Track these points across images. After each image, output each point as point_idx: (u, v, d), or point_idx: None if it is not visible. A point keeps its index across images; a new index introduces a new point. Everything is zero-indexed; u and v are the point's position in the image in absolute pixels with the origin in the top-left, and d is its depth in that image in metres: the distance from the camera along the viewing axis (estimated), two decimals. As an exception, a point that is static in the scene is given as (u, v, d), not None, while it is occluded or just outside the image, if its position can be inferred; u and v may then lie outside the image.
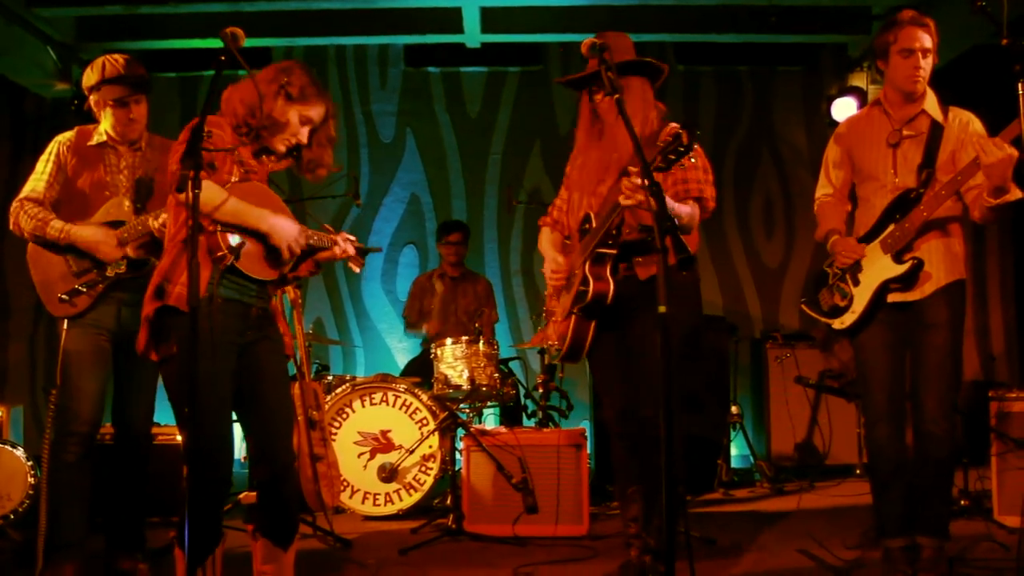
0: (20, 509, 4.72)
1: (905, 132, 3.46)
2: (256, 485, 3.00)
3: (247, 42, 2.83)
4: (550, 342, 3.67)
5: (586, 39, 3.16)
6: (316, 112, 3.05)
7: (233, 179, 2.90)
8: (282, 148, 3.04)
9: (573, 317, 3.45)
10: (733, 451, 6.31)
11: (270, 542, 2.96)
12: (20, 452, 4.82)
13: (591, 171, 3.53)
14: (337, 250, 3.15)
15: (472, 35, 6.68)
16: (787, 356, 6.37)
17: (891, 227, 3.43)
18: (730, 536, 4.41)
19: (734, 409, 6.16)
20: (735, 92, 7.63)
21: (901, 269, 3.40)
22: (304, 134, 3.04)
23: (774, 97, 7.62)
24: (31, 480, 4.76)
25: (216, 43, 6.36)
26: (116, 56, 3.75)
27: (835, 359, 6.14)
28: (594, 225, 3.34)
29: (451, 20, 6.53)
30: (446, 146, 7.61)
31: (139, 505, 3.89)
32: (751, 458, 6.26)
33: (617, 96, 2.90)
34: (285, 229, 2.93)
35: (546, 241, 3.75)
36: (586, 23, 6.34)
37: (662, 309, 2.55)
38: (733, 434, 6.18)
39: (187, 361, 2.52)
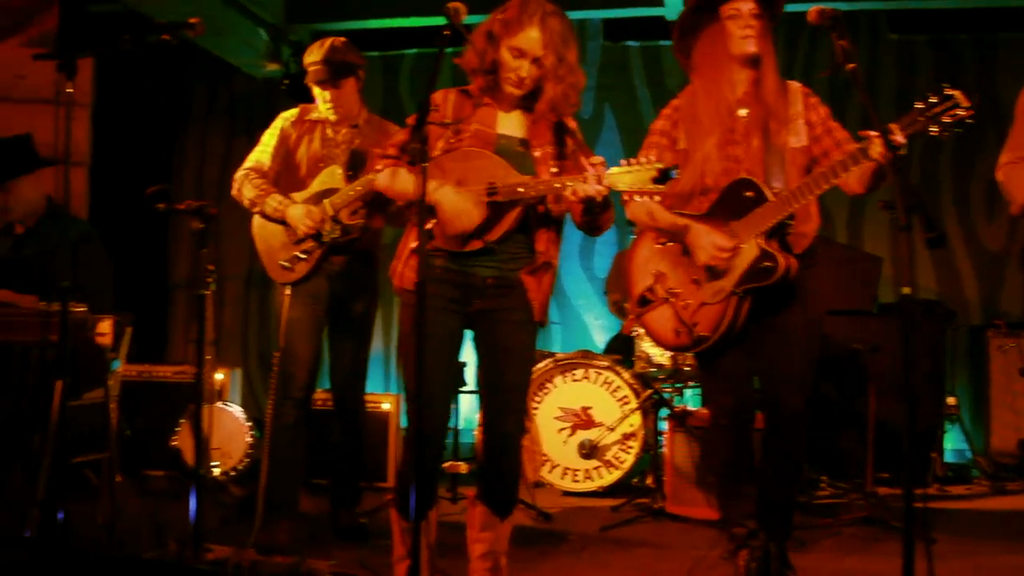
0: (240, 467, 4.99)
1: None
2: (482, 453, 3.01)
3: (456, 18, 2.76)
4: (692, 327, 3.14)
5: (811, 8, 2.96)
6: (525, 41, 2.81)
7: (435, 153, 2.89)
8: (507, 89, 2.90)
9: (734, 298, 3.06)
10: (947, 445, 5.93)
11: (489, 510, 2.96)
12: (240, 413, 5.08)
13: (718, 123, 3.08)
14: (568, 192, 2.74)
15: (673, 7, 6.49)
16: (1011, 346, 5.91)
17: None
18: (949, 535, 4.13)
19: (950, 400, 5.78)
20: (954, 62, 7.08)
21: None
22: (525, 68, 2.85)
23: (998, 66, 7.03)
24: (249, 440, 5.02)
25: (415, 22, 6.47)
26: (326, 40, 3.88)
27: (1068, 350, 5.66)
28: (770, 198, 2.97)
29: (651, -8, 6.39)
30: (645, 122, 7.37)
31: (357, 465, 4.06)
32: (968, 453, 5.88)
33: (853, 66, 2.67)
34: (452, 202, 2.79)
35: (663, 210, 3.14)
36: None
37: (907, 291, 2.35)
38: (948, 427, 5.81)
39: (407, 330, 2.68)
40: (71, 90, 2.80)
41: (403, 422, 5.20)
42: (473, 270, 2.90)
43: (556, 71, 2.86)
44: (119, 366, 4.09)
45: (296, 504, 3.90)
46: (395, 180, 2.94)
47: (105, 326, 3.67)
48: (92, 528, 3.87)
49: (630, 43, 7.47)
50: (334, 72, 3.84)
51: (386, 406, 5.08)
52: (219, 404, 5.05)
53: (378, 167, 3.00)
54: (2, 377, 3.62)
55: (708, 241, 3.05)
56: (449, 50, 2.80)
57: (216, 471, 4.87)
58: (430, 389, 2.83)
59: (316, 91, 3.90)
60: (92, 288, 3.75)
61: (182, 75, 7.62)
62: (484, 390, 3.02)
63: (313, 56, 3.86)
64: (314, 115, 3.96)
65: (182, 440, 4.99)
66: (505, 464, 2.97)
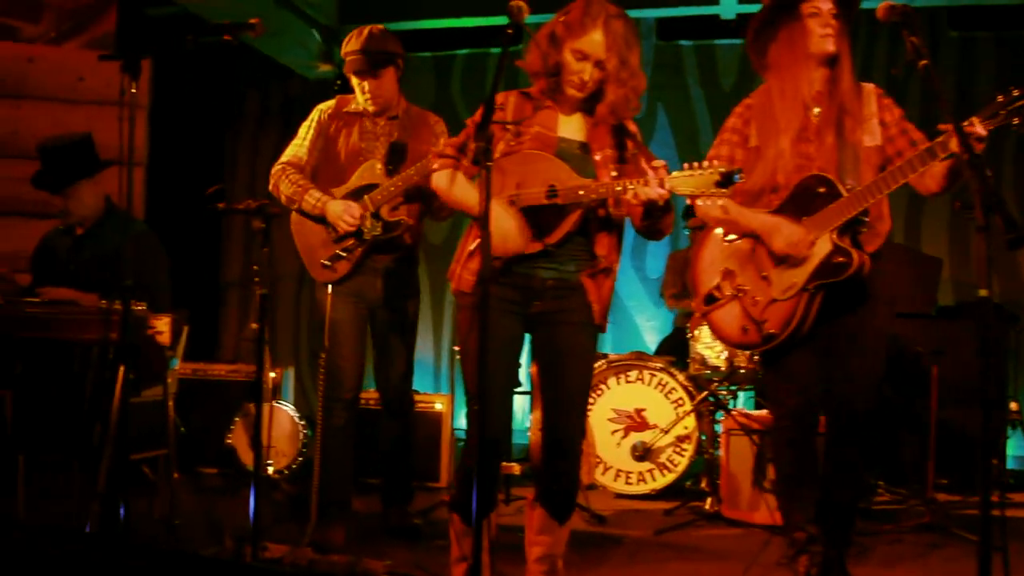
0: (293, 465, 5.02)
1: None
2: (541, 457, 2.97)
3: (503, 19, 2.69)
4: (761, 324, 3.10)
5: (880, 4, 2.90)
6: (588, 44, 2.77)
7: (495, 155, 2.84)
8: (569, 91, 2.85)
9: (805, 295, 3.03)
10: (1009, 451, 5.78)
11: (547, 514, 2.93)
12: (293, 411, 5.11)
13: (794, 121, 3.07)
14: (629, 196, 2.70)
15: (728, 6, 6.44)
16: (1076, 350, 5.76)
17: None
18: (1012, 544, 4.01)
19: (1013, 406, 5.63)
20: (1018, 59, 6.91)
21: None
22: (588, 71, 2.81)
23: (1064, 63, 6.86)
24: (302, 438, 5.05)
25: (467, 22, 6.41)
26: (364, 29, 3.79)
27: None
28: (843, 193, 2.94)
29: (705, -9, 6.32)
30: (699, 122, 7.33)
31: (407, 465, 4.05)
32: (1030, 460, 5.74)
33: (925, 63, 2.61)
34: (496, 225, 2.68)
35: (735, 204, 3.11)
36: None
37: (984, 293, 2.29)
38: (1011, 432, 5.66)
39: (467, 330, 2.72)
40: (135, 90, 2.82)
41: (456, 423, 5.20)
42: (533, 272, 2.88)
43: (618, 74, 2.81)
44: (177, 364, 4.12)
45: (349, 504, 3.90)
46: (453, 187, 2.88)
47: (163, 324, 3.69)
48: (150, 524, 3.91)
49: (683, 42, 7.39)
50: (372, 62, 3.73)
51: (439, 406, 5.07)
52: (273, 403, 5.07)
53: (434, 166, 2.98)
54: (64, 374, 3.66)
55: (787, 230, 3.04)
56: (512, 48, 2.78)
57: (270, 469, 4.90)
58: (491, 392, 2.79)
59: (354, 81, 3.82)
60: (152, 287, 3.78)
61: (235, 76, 7.70)
62: (543, 393, 2.97)
63: (351, 45, 3.77)
64: (352, 107, 3.88)
65: (236, 438, 5.03)
66: (563, 468, 2.93)
